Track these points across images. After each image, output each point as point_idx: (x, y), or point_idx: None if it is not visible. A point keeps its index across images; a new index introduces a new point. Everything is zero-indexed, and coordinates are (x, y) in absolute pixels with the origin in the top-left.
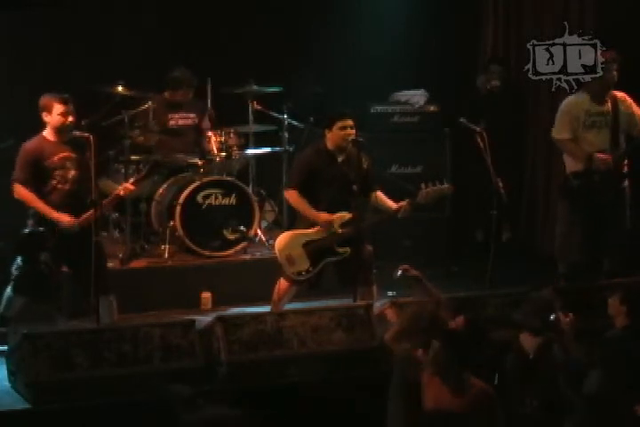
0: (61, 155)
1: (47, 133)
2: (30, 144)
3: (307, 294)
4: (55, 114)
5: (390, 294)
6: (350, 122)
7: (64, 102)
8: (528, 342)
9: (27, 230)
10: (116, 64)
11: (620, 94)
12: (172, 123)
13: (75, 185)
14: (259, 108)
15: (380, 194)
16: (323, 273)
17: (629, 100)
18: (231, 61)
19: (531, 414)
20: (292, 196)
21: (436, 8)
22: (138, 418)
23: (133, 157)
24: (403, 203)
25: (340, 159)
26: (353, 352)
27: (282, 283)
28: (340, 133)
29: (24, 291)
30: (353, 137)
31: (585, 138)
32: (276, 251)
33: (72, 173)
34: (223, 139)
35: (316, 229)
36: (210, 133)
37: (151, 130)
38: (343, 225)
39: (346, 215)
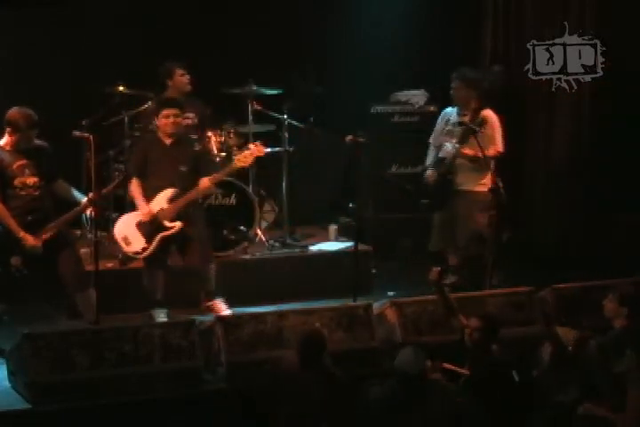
0: (19, 163)
1: (4, 143)
2: None
3: (307, 293)
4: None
5: (390, 294)
6: (173, 111)
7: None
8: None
9: None
10: (116, 64)
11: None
12: None
13: (37, 190)
14: (258, 108)
15: (209, 179)
16: (166, 249)
17: None
18: (231, 61)
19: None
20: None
21: (435, 8)
22: (138, 418)
23: None
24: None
25: (168, 142)
26: (353, 352)
27: None
28: (164, 121)
29: None
30: (175, 125)
31: None
32: (115, 232)
33: (31, 179)
34: (223, 139)
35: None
36: (210, 133)
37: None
38: (169, 201)
39: (169, 192)
